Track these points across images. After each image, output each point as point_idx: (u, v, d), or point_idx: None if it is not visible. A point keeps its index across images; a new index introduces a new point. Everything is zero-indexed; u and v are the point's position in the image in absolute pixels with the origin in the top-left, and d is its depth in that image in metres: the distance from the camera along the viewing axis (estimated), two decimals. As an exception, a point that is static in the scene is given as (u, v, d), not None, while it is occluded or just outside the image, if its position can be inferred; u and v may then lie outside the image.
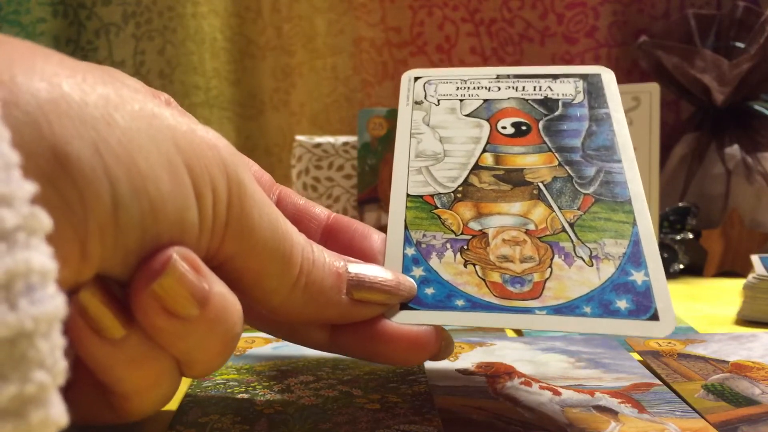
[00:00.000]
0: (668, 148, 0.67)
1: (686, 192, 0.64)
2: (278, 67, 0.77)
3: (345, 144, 0.59)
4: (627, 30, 0.76)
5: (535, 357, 0.32)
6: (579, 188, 0.28)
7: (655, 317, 0.23)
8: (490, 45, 0.76)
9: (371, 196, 0.58)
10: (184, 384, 0.28)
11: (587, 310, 0.24)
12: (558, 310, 0.24)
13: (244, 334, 0.36)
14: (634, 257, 0.25)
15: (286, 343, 0.34)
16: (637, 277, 0.25)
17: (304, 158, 0.59)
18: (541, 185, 0.28)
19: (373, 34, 0.76)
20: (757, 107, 0.65)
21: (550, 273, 0.25)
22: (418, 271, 0.26)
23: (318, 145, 0.59)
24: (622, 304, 0.24)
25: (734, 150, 0.64)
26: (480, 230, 0.27)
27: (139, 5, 0.72)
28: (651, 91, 0.54)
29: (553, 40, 0.76)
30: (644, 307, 0.24)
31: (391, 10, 0.76)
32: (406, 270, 0.26)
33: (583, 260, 0.26)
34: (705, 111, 0.67)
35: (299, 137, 0.60)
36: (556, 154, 0.29)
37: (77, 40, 0.71)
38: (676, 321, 0.39)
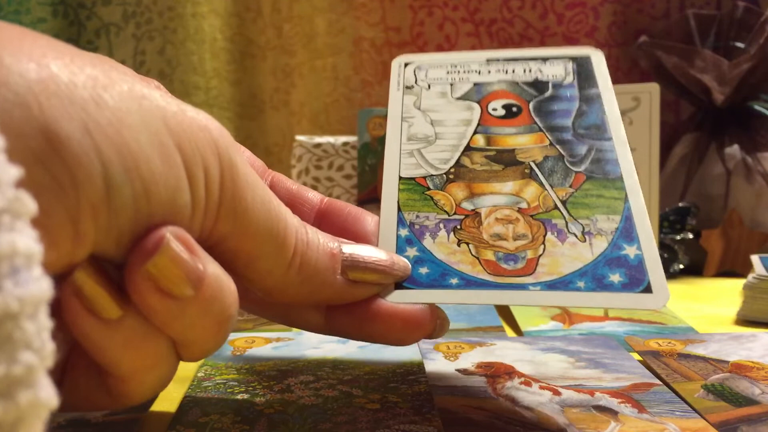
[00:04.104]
0: (668, 148, 0.67)
1: (686, 192, 0.64)
2: (278, 67, 0.77)
3: (345, 144, 0.59)
4: (627, 30, 0.76)
5: (535, 357, 0.32)
6: (570, 166, 0.28)
7: (648, 290, 0.24)
8: (490, 45, 0.76)
9: (371, 196, 0.58)
10: (185, 384, 0.28)
11: (581, 284, 0.24)
12: (552, 285, 0.24)
13: (245, 334, 0.36)
14: (627, 232, 0.26)
15: (286, 343, 0.34)
16: (630, 251, 0.25)
17: (304, 158, 0.59)
18: (532, 164, 0.28)
19: (373, 34, 0.76)
20: (757, 107, 0.65)
21: (543, 250, 0.26)
22: (412, 252, 0.26)
23: (318, 145, 0.59)
24: (615, 277, 0.24)
25: (734, 150, 0.64)
26: (473, 210, 0.27)
27: (139, 5, 0.72)
28: (651, 91, 0.54)
29: (553, 40, 0.76)
30: (637, 280, 0.24)
31: (391, 10, 0.76)
32: (399, 251, 0.26)
33: (576, 236, 0.26)
34: (705, 111, 0.67)
35: (299, 137, 0.60)
36: (547, 133, 0.30)
37: (77, 40, 0.71)
38: (676, 321, 0.40)
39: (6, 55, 0.16)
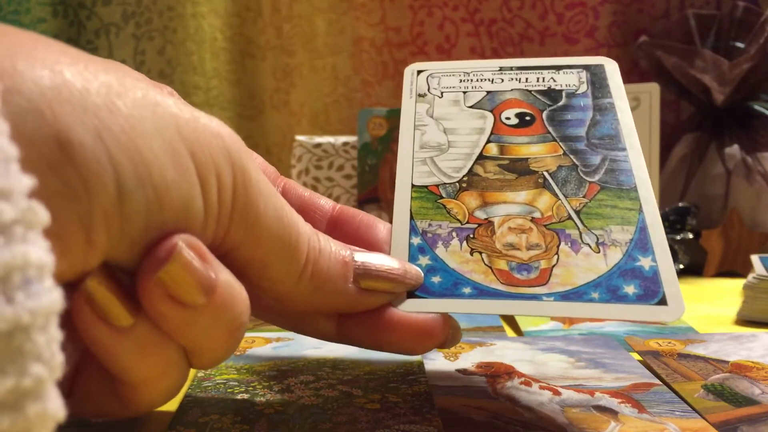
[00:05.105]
0: (668, 148, 0.67)
1: (686, 192, 0.64)
2: (278, 67, 0.77)
3: (345, 144, 0.59)
4: (627, 30, 0.76)
5: (535, 357, 0.32)
6: (584, 176, 0.28)
7: (663, 302, 0.23)
8: (490, 45, 0.76)
9: (371, 196, 0.58)
10: (185, 384, 0.28)
11: (595, 295, 0.24)
12: (566, 296, 0.24)
13: (245, 334, 0.36)
14: (641, 243, 0.25)
15: (286, 343, 0.34)
16: (645, 262, 0.25)
17: (304, 158, 0.59)
18: (546, 174, 0.28)
19: (373, 34, 0.76)
20: (757, 107, 0.65)
21: (557, 260, 0.25)
22: (424, 260, 0.26)
23: (318, 145, 0.59)
24: (630, 289, 0.24)
25: (734, 150, 0.64)
26: (486, 219, 0.27)
27: (139, 5, 0.72)
28: (651, 91, 0.54)
29: (553, 40, 0.76)
30: (652, 292, 0.24)
31: (391, 10, 0.76)
32: (412, 259, 0.26)
33: (590, 247, 0.26)
34: (705, 111, 0.67)
35: (299, 137, 0.60)
36: (560, 143, 0.29)
37: (77, 40, 0.71)
38: (677, 321, 0.40)
39: (20, 62, 0.16)
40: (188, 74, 0.73)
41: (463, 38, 0.76)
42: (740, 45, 0.66)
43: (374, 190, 0.58)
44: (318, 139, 0.60)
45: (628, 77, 0.75)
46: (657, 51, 0.66)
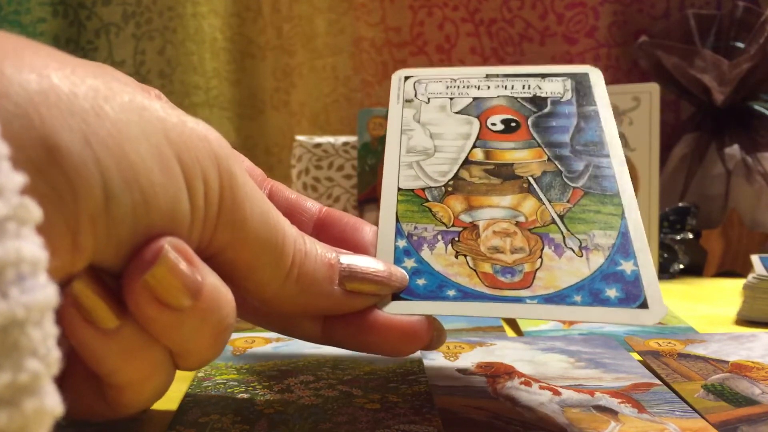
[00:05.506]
0: (668, 148, 0.67)
1: (686, 192, 0.64)
2: (278, 67, 0.77)
3: (345, 144, 0.59)
4: (627, 30, 0.76)
5: (535, 357, 0.32)
6: (568, 182, 0.28)
7: (644, 305, 0.24)
8: (490, 45, 0.76)
9: (371, 196, 0.58)
10: (185, 384, 0.28)
11: (577, 299, 0.24)
12: (549, 299, 0.24)
13: (244, 334, 0.36)
14: (623, 248, 0.26)
15: (286, 343, 0.34)
16: (626, 267, 0.25)
17: (304, 158, 0.59)
18: (530, 179, 0.29)
19: (373, 34, 0.76)
20: (757, 107, 0.65)
21: (541, 263, 0.26)
22: (409, 263, 0.26)
23: (318, 145, 0.59)
24: (611, 292, 0.24)
25: (734, 150, 0.64)
26: (471, 222, 0.27)
27: (139, 5, 0.72)
28: (651, 91, 0.54)
29: (553, 40, 0.76)
30: (633, 296, 0.24)
31: (391, 10, 0.76)
32: (397, 261, 0.26)
33: (573, 251, 0.26)
34: (705, 111, 0.67)
35: (299, 137, 0.60)
36: (545, 149, 0.30)
37: (77, 40, 0.71)
38: (676, 321, 0.40)
39: (7, 66, 0.16)
40: (188, 74, 0.73)
41: (463, 38, 0.76)
42: (740, 45, 0.66)
43: (374, 190, 0.58)
44: (318, 139, 0.60)
45: (628, 77, 0.75)
46: (657, 51, 0.66)
